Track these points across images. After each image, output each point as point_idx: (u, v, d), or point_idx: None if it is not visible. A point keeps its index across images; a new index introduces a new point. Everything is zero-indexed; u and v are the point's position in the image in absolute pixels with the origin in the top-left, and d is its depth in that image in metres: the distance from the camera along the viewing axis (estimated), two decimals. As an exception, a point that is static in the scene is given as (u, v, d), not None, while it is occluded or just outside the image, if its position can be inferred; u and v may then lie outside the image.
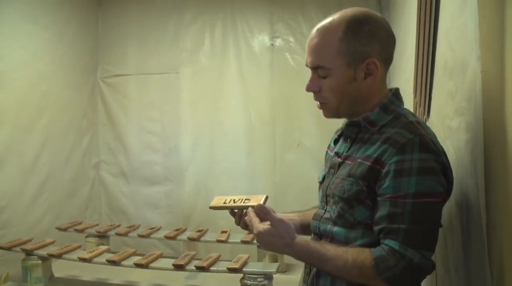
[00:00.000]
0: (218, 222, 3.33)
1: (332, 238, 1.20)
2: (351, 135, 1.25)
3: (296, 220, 1.40)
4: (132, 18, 3.69)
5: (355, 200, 1.14)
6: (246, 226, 1.30)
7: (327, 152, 1.42)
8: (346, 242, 1.16)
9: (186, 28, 3.61)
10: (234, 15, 3.54)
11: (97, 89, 3.74)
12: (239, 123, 3.54)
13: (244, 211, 1.31)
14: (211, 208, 1.37)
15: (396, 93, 1.23)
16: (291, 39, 3.48)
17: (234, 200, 1.32)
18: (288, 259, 2.24)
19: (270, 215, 1.15)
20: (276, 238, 1.13)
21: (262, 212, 1.17)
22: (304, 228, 1.38)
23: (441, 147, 1.14)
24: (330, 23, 1.16)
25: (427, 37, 1.72)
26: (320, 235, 1.25)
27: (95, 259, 2.07)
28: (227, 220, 3.27)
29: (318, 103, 1.24)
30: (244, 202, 1.29)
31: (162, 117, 3.66)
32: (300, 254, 1.14)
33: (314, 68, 1.19)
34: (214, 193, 3.43)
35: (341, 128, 1.36)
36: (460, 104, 1.35)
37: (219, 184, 3.53)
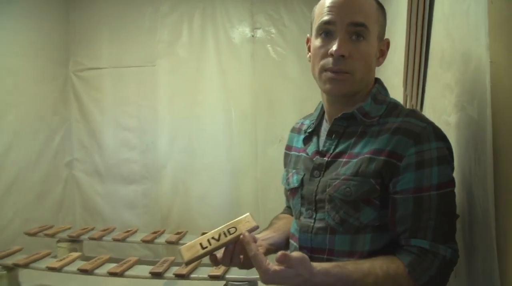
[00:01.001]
0: (198, 222, 3.27)
1: (331, 251, 1.06)
2: (337, 130, 1.13)
3: (275, 237, 1.23)
4: (106, 8, 3.56)
5: (362, 201, 1.03)
6: (245, 261, 1.05)
7: (288, 153, 1.30)
8: (351, 251, 1.04)
9: (163, 19, 3.49)
10: (214, 6, 3.44)
11: (69, 84, 3.59)
12: (219, 118, 3.45)
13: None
14: (187, 263, 1.02)
15: (380, 81, 1.18)
16: (273, 30, 3.40)
17: (213, 238, 1.00)
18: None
19: (289, 257, 0.91)
20: (293, 278, 0.92)
21: (284, 259, 0.91)
22: (286, 245, 1.23)
23: None
24: None
25: (420, 25, 1.63)
26: (312, 249, 1.10)
27: (66, 268, 1.94)
28: (208, 219, 3.32)
29: (332, 75, 1.06)
30: (230, 234, 0.99)
31: (138, 112, 3.55)
32: (321, 285, 0.95)
33: (358, 25, 1.05)
34: (193, 191, 3.41)
35: (310, 124, 1.23)
36: (460, 98, 1.26)
37: (199, 181, 3.44)
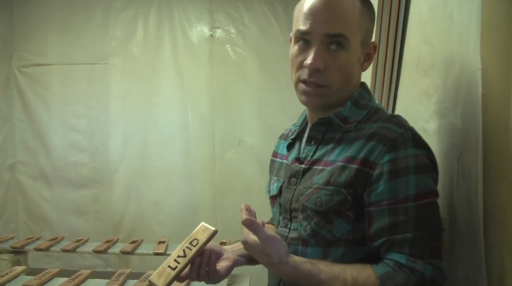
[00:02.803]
0: (151, 227, 3.19)
1: None
2: (316, 136, 1.08)
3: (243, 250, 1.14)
4: (53, 1, 3.41)
5: (334, 213, 0.98)
6: (212, 274, 1.03)
7: (274, 160, 1.25)
8: None
9: (116, 15, 3.38)
10: (171, 3, 3.37)
11: (12, 80, 3.44)
12: (175, 120, 3.38)
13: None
14: None
15: (364, 85, 1.11)
16: (232, 30, 3.36)
17: (178, 256, 0.98)
18: (234, 270, 2.06)
19: (260, 230, 0.94)
20: (261, 256, 0.95)
21: (251, 227, 0.94)
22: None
23: None
24: None
25: (393, 30, 1.60)
26: None
27: (8, 285, 1.75)
28: (163, 226, 3.22)
29: (307, 88, 1.02)
30: (194, 246, 0.98)
31: (88, 112, 3.44)
32: (288, 276, 0.96)
33: (335, 36, 0.98)
34: (147, 196, 3.31)
35: (294, 130, 1.19)
36: (441, 104, 1.22)
37: (153, 186, 3.35)
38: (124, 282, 1.79)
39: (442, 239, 0.96)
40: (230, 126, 3.31)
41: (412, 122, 1.43)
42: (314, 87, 1.01)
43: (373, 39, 1.12)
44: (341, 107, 1.05)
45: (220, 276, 1.04)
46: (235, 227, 3.01)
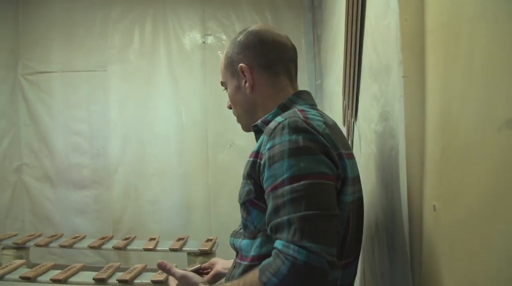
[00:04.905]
0: (150, 226, 3.25)
1: (241, 255, 1.09)
2: (257, 139, 1.17)
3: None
4: (56, 12, 3.51)
5: (250, 204, 1.05)
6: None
7: None
8: (248, 256, 1.06)
9: (114, 24, 3.48)
10: (165, 12, 3.45)
11: (17, 87, 3.53)
12: (170, 123, 3.45)
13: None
14: None
15: (298, 93, 1.19)
16: (224, 37, 3.43)
17: None
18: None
19: (171, 270, 1.13)
20: None
21: (164, 269, 1.15)
22: None
23: (325, 131, 1.01)
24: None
25: (354, 37, 1.67)
26: (236, 251, 1.15)
27: (8, 276, 1.90)
28: (160, 224, 3.32)
29: None
30: None
31: (89, 117, 3.52)
32: None
33: (221, 84, 1.27)
34: (145, 196, 3.41)
35: None
36: (384, 108, 1.32)
37: (150, 186, 3.43)
38: (112, 274, 1.92)
39: (330, 224, 0.92)
40: (223, 129, 3.37)
41: (367, 124, 1.55)
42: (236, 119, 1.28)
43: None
44: (269, 114, 1.15)
45: None
46: (227, 224, 3.14)
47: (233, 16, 3.39)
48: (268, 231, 0.96)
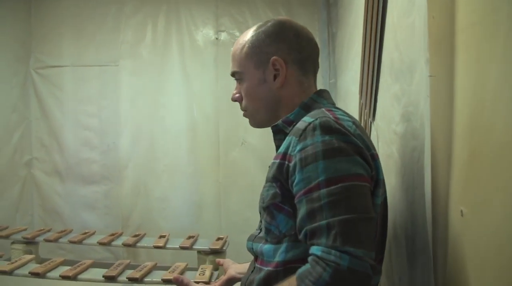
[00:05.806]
0: (158, 223, 3.24)
1: (263, 260, 1.05)
2: (277, 143, 1.14)
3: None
4: (69, 6, 3.51)
5: (274, 208, 1.01)
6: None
7: None
8: (272, 261, 1.02)
9: (127, 20, 3.46)
10: (178, 7, 3.43)
11: (29, 81, 3.53)
12: (182, 120, 3.43)
13: None
14: None
15: (320, 92, 1.16)
16: (237, 33, 3.40)
17: None
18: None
19: (189, 284, 1.17)
20: None
21: (181, 283, 1.18)
22: None
23: (356, 131, 0.99)
24: (244, 31, 1.18)
25: (374, 35, 1.64)
26: (255, 256, 1.12)
27: (17, 271, 1.88)
28: (169, 221, 3.31)
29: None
30: None
31: (100, 112, 3.51)
32: None
33: (232, 75, 1.18)
34: (154, 192, 3.40)
35: None
36: (406, 108, 1.29)
37: (160, 183, 3.42)
38: (122, 271, 1.90)
39: (369, 226, 0.90)
40: (234, 127, 3.34)
41: (386, 125, 1.52)
42: (244, 113, 1.20)
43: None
44: (290, 114, 1.10)
45: None
46: (238, 223, 3.13)
47: (246, 13, 3.37)
48: (301, 237, 0.92)
